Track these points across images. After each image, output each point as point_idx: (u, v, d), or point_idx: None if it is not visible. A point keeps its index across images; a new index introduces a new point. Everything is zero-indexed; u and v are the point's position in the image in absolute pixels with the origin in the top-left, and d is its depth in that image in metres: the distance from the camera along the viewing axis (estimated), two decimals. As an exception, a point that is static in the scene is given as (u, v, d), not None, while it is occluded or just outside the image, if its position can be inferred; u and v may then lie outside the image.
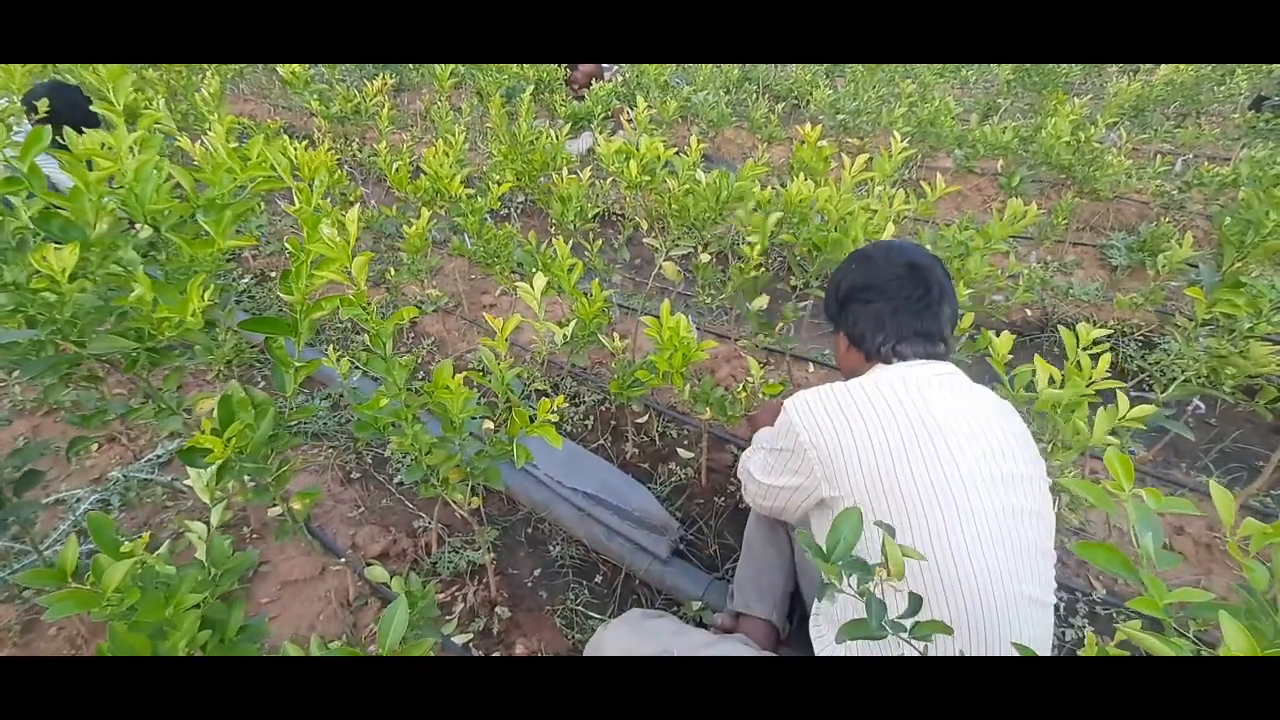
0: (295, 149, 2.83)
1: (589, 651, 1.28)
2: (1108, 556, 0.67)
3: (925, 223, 3.12)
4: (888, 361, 1.11)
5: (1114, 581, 1.73)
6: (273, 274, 2.88)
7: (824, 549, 0.67)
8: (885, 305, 1.11)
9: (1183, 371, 1.47)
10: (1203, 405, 2.08)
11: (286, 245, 0.98)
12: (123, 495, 1.78)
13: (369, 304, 1.03)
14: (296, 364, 1.15)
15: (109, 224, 1.03)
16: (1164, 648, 0.51)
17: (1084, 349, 1.31)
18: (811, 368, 2.55)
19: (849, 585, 0.68)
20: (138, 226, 1.13)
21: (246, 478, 1.22)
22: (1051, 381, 1.30)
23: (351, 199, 2.97)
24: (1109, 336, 2.76)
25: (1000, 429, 1.02)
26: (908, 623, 0.68)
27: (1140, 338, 2.73)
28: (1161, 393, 1.51)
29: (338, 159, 2.89)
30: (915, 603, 0.69)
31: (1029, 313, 3.06)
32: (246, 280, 3.09)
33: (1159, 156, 3.67)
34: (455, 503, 1.44)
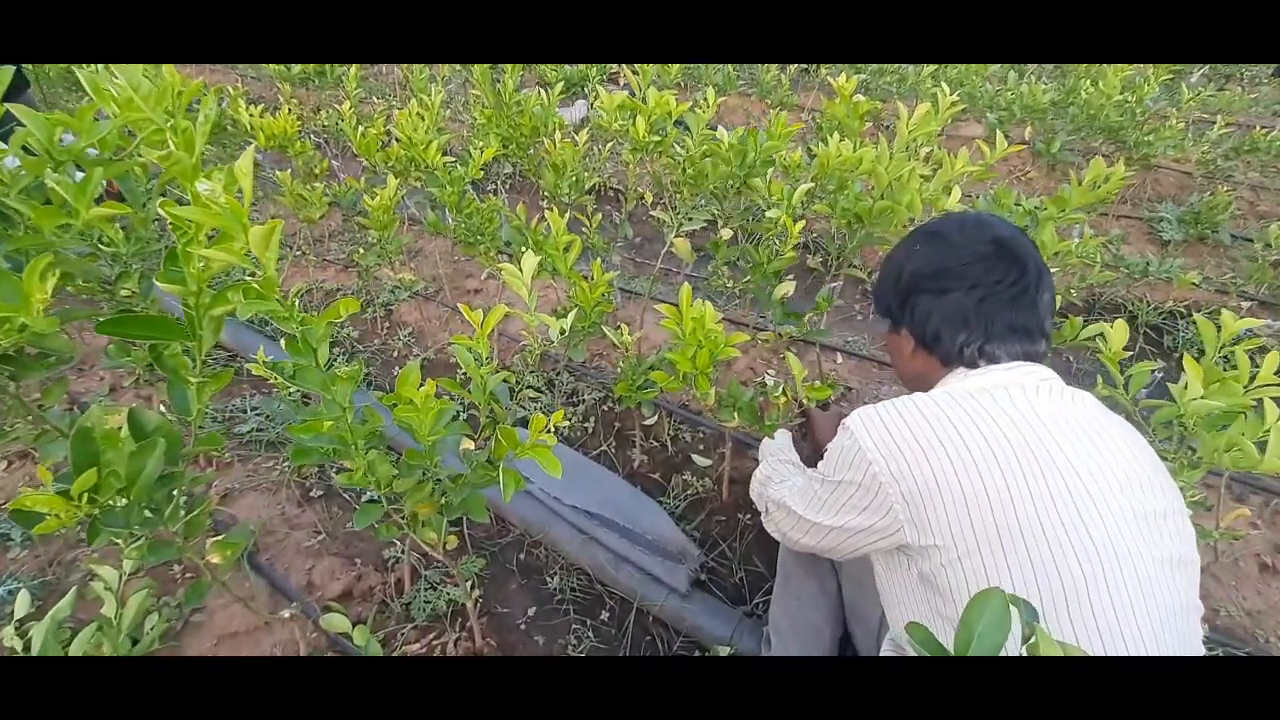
0: (250, 114, 2.49)
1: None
2: None
3: (979, 187, 2.80)
4: (972, 365, 0.88)
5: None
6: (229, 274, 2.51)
7: (944, 646, 0.47)
8: (968, 294, 0.87)
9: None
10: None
11: (161, 211, 0.66)
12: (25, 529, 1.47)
13: (284, 295, 0.72)
14: (195, 379, 0.84)
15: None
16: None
17: (1231, 343, 1.02)
18: (840, 358, 2.25)
19: None
20: (-35, 190, 0.81)
21: (136, 530, 0.92)
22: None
23: (317, 171, 2.63)
24: (1170, 316, 2.47)
25: (1133, 452, 0.78)
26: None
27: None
28: None
29: (300, 127, 2.54)
30: None
31: (1073, 293, 2.77)
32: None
33: (1208, 124, 3.36)
34: (428, 544, 1.14)
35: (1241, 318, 1.01)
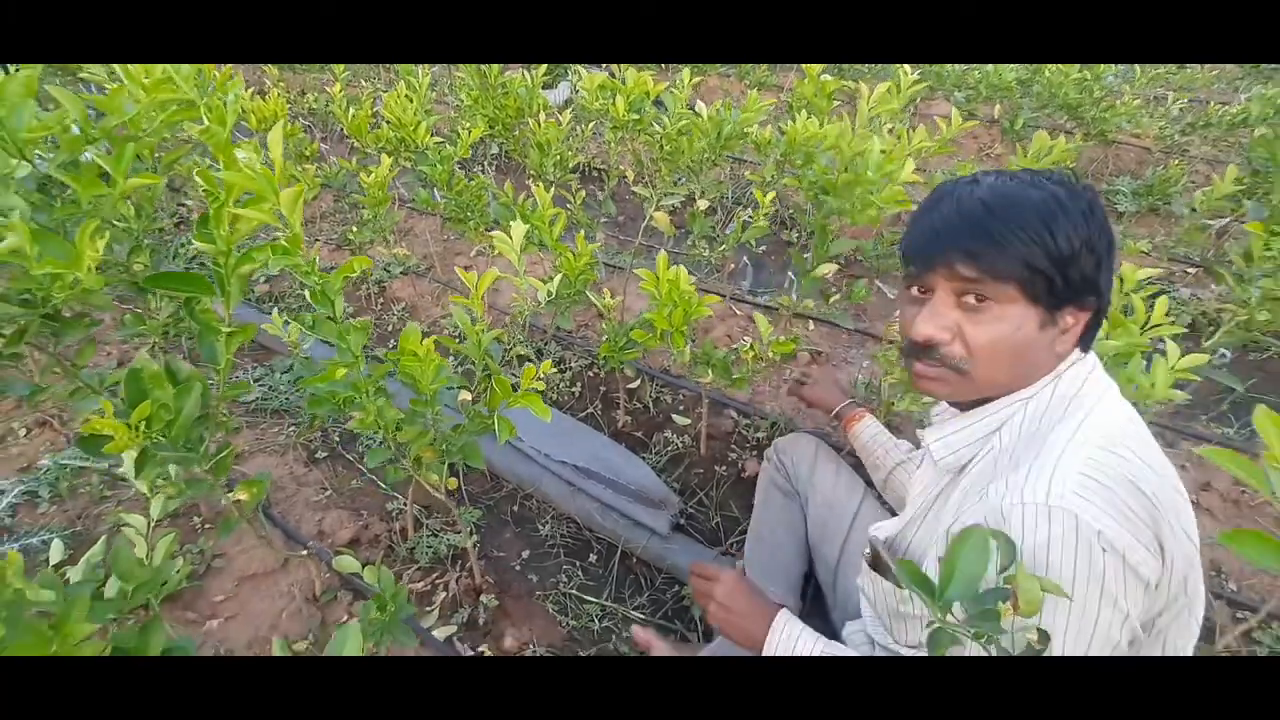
0: (241, 97, 2.55)
1: None
2: (1261, 548, 0.52)
3: (940, 163, 2.94)
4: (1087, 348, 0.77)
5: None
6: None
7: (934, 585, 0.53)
8: (1109, 256, 0.73)
9: (1232, 316, 1.33)
10: (1228, 353, 1.96)
11: (196, 178, 0.77)
12: (53, 486, 1.58)
13: (306, 251, 0.83)
14: (226, 329, 0.96)
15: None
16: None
17: (1133, 291, 1.16)
18: (811, 325, 2.39)
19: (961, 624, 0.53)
20: (13, 163, 0.91)
21: (175, 467, 1.03)
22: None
23: (307, 153, 2.71)
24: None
25: None
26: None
27: (1156, 287, 2.61)
28: (1206, 340, 1.38)
29: (289, 110, 2.61)
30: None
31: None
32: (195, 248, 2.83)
33: (1172, 96, 3.51)
34: (431, 485, 1.27)
35: (1181, 283, 1.15)
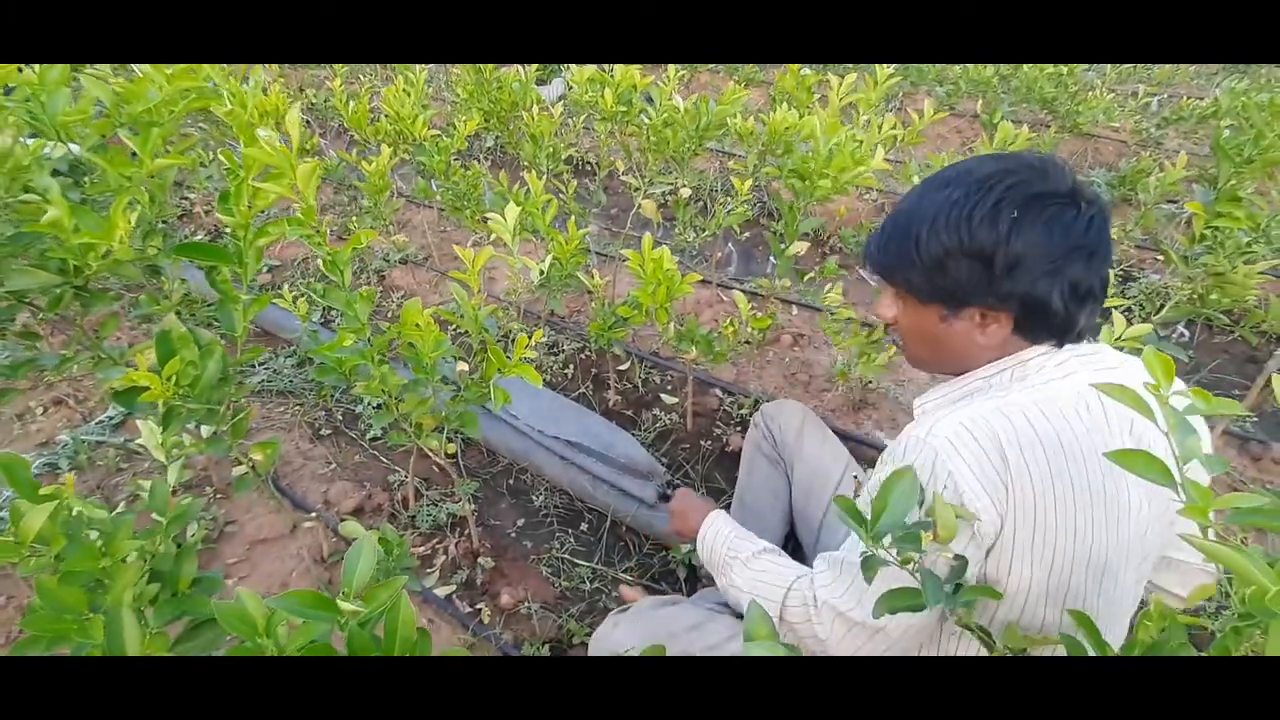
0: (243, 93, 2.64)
1: (594, 649, 1.13)
2: (1146, 464, 0.60)
3: (913, 153, 3.04)
4: (1078, 340, 0.78)
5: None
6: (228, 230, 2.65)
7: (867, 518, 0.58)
8: (1087, 264, 0.72)
9: (1177, 293, 1.43)
10: (1187, 333, 2.07)
11: (221, 159, 0.86)
12: (72, 459, 1.66)
13: (319, 225, 0.92)
14: (245, 298, 1.05)
15: (12, 137, 0.90)
16: (1237, 556, 0.46)
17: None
18: (795, 310, 2.49)
19: (890, 554, 0.59)
20: (50, 147, 1.00)
21: (197, 424, 1.12)
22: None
23: (308, 147, 2.79)
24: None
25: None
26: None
27: (1120, 272, 2.72)
28: (1155, 315, 1.48)
29: (290, 105, 2.69)
30: (960, 566, 0.62)
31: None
32: (201, 237, 2.91)
33: (1142, 90, 3.62)
34: (431, 450, 1.36)
35: (1151, 269, 1.24)
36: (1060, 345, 0.77)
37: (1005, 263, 0.72)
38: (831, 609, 0.79)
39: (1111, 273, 1.25)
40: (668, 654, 0.60)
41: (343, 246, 1.00)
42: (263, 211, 1.00)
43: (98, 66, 1.69)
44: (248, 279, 1.04)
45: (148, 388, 0.85)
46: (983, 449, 0.69)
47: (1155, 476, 0.55)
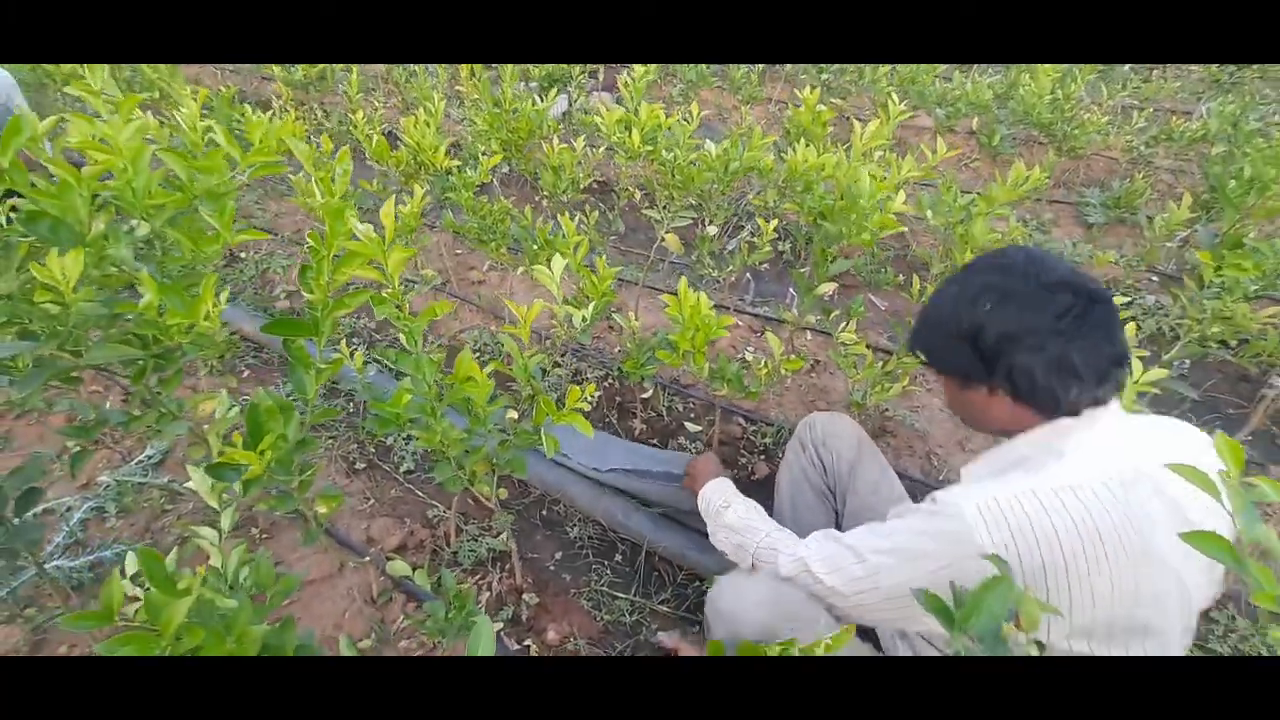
0: (263, 122, 2.65)
1: (715, 607, 1.14)
2: (1216, 547, 0.64)
3: (926, 187, 3.12)
4: (1075, 414, 0.86)
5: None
6: (267, 269, 2.64)
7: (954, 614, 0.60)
8: (1069, 344, 0.83)
9: (1187, 332, 1.52)
10: (1187, 362, 2.16)
11: (308, 240, 0.90)
12: (117, 500, 1.68)
13: (403, 302, 0.97)
14: (319, 365, 1.09)
15: (106, 223, 0.93)
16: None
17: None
18: (809, 335, 2.56)
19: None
20: (132, 222, 1.03)
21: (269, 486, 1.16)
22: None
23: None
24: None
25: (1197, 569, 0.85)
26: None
27: (1120, 292, 2.82)
28: (1163, 354, 1.56)
29: (306, 130, 2.71)
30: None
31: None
32: (250, 274, 2.91)
33: (1134, 111, 3.73)
34: (483, 495, 1.41)
35: (1148, 290, 1.31)
36: (1071, 414, 0.86)
37: (988, 344, 0.87)
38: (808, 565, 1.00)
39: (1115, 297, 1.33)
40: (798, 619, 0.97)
41: (418, 317, 1.05)
42: (342, 285, 1.05)
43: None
44: (321, 346, 1.08)
45: (248, 466, 0.89)
46: (1009, 526, 0.79)
47: (1224, 559, 0.61)
